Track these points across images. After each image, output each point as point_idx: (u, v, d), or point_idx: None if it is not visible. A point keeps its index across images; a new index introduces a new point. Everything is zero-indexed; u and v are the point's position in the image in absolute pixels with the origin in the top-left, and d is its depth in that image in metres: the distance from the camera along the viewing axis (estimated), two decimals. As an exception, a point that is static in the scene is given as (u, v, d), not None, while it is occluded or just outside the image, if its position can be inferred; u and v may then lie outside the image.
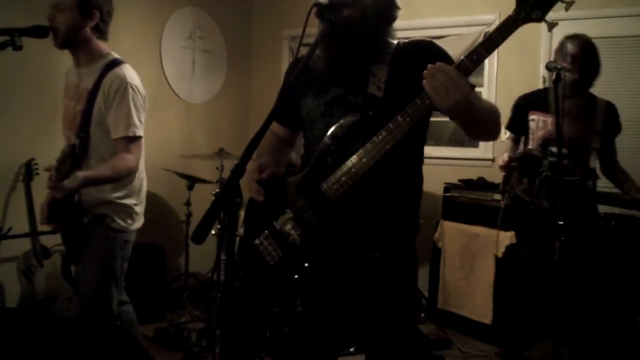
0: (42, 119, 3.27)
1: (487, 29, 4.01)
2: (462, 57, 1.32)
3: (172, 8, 4.23)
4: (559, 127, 2.50)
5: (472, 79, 1.39)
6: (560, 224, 2.34)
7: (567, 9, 1.30)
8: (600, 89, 3.63)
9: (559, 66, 2.47)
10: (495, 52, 4.61)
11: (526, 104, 2.88)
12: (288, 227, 1.53)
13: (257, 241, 1.58)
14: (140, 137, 2.18)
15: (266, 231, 1.56)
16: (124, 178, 2.17)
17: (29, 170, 3.14)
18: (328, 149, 1.48)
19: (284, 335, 3.03)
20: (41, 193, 3.16)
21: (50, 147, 3.30)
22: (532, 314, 2.93)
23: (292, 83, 1.46)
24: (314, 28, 1.49)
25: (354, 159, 1.43)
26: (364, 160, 1.41)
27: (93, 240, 2.19)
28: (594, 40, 3.65)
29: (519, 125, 2.90)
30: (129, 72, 2.17)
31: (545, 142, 2.76)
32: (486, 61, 4.05)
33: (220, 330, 1.34)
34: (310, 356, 1.71)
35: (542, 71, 3.77)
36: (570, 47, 2.70)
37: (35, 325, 1.94)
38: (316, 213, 1.48)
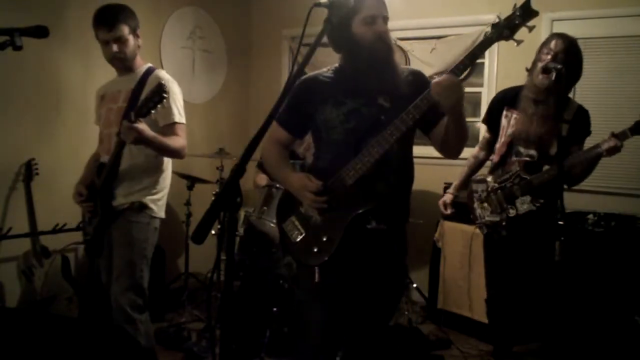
0: (42, 119, 3.28)
1: (487, 29, 4.00)
2: (452, 68, 1.67)
3: (172, 8, 4.23)
4: (560, 128, 2.50)
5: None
6: (561, 224, 2.34)
7: (530, 31, 1.64)
8: (600, 88, 3.65)
9: (558, 66, 2.45)
10: (495, 52, 4.62)
11: (503, 99, 2.83)
12: (311, 209, 1.84)
13: (284, 224, 1.91)
14: (184, 124, 2.49)
15: (293, 215, 1.89)
16: (174, 154, 2.44)
17: (29, 170, 3.14)
18: (348, 145, 1.80)
19: (284, 335, 3.03)
20: (41, 193, 3.18)
21: (50, 147, 3.31)
22: (518, 314, 2.92)
23: (307, 96, 1.86)
24: (314, 28, 1.50)
25: (366, 149, 1.75)
26: (375, 149, 1.73)
27: (129, 226, 2.40)
28: (594, 41, 3.68)
29: (493, 120, 2.87)
30: (166, 74, 2.53)
31: (512, 141, 2.72)
32: (486, 62, 4.06)
33: (220, 330, 1.34)
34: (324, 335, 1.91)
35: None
36: (554, 43, 2.58)
37: (35, 325, 1.94)
38: (335, 195, 1.78)
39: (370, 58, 1.77)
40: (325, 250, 1.79)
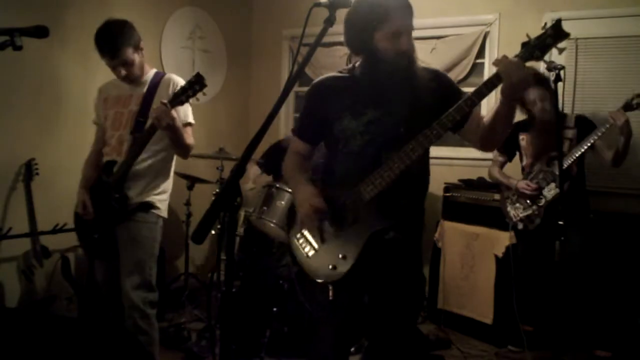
0: (42, 119, 3.27)
1: (487, 29, 4.01)
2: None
3: (172, 8, 4.23)
4: (559, 127, 2.52)
5: (472, 79, 1.50)
6: (560, 224, 2.35)
7: (560, 53, 1.72)
8: (600, 88, 3.65)
9: (559, 66, 2.47)
10: (496, 52, 4.59)
11: (515, 128, 3.24)
12: (326, 224, 1.77)
13: (295, 237, 1.84)
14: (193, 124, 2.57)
15: (305, 227, 1.81)
16: (186, 151, 2.49)
17: (29, 170, 3.13)
18: (366, 157, 1.72)
19: (284, 335, 3.03)
20: (41, 193, 3.18)
21: (51, 147, 3.31)
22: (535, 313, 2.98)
23: (324, 104, 1.79)
24: (314, 28, 1.51)
25: (386, 164, 1.68)
26: (396, 164, 1.66)
27: (139, 225, 2.44)
28: (594, 41, 3.68)
29: (508, 146, 3.34)
30: (180, 78, 2.54)
31: (535, 156, 3.18)
32: (486, 62, 4.06)
33: (220, 330, 1.34)
34: (331, 345, 1.85)
35: (542, 71, 3.77)
36: (531, 92, 3.05)
37: (35, 325, 1.94)
38: (351, 211, 1.72)
39: (390, 72, 1.71)
40: (341, 268, 1.71)
